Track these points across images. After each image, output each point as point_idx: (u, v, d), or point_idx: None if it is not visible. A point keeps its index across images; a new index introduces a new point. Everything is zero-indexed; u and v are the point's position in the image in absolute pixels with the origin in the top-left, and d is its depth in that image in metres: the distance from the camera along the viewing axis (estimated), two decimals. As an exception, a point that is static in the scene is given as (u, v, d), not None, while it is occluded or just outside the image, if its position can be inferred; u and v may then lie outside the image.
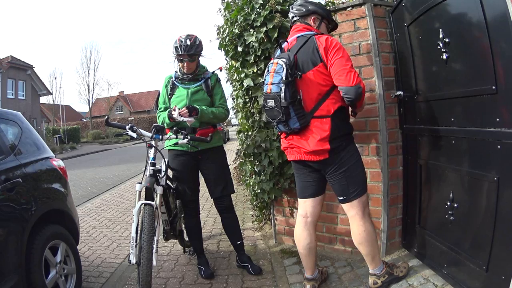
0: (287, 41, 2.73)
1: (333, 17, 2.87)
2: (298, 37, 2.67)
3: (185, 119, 3.21)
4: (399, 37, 3.28)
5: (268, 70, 2.63)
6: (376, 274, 2.80)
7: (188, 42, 3.27)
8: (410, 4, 3.07)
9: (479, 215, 2.43)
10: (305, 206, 2.90)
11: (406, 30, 3.13)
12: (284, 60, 2.50)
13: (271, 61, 2.63)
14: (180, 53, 3.26)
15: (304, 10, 2.76)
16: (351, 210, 2.70)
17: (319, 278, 3.02)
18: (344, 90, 2.48)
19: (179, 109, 3.23)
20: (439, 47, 2.65)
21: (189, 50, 3.26)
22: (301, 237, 2.89)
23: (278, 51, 2.73)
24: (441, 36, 2.61)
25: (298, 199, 2.97)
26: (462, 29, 2.48)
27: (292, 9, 2.83)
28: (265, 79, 2.66)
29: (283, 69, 2.48)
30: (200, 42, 3.36)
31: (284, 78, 2.47)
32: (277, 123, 2.65)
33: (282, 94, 2.48)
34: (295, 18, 2.81)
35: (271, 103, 2.55)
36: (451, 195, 2.69)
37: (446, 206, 2.74)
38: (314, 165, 2.70)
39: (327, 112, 2.55)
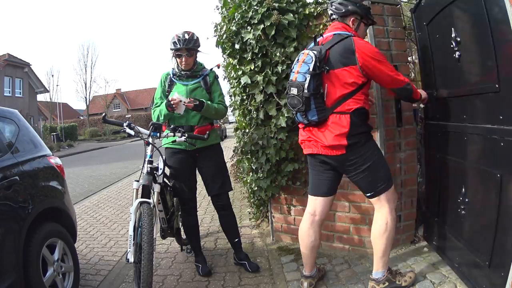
0: (322, 36, 2.72)
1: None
2: (335, 34, 2.65)
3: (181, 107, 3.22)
4: (420, 36, 3.31)
5: (297, 59, 2.63)
6: (375, 279, 2.76)
7: (187, 36, 3.28)
8: (427, 3, 3.10)
9: (484, 211, 2.46)
10: (315, 204, 2.89)
11: (426, 29, 3.16)
12: (315, 52, 2.52)
13: (302, 51, 2.65)
14: (179, 46, 3.27)
15: (343, 10, 2.70)
16: (378, 203, 2.70)
17: (316, 276, 3.02)
18: (397, 92, 2.68)
19: (180, 100, 3.22)
20: (452, 45, 2.67)
21: (187, 44, 3.27)
22: (306, 235, 2.88)
23: (312, 44, 2.73)
24: (453, 35, 2.64)
25: (309, 195, 2.95)
26: (469, 29, 2.53)
27: (331, 6, 2.77)
28: (293, 67, 2.66)
29: (312, 60, 2.49)
30: (197, 38, 3.37)
31: (311, 69, 2.49)
32: (296, 112, 2.66)
33: (306, 85, 2.49)
34: (333, 16, 2.77)
35: (293, 91, 2.56)
36: (463, 190, 2.72)
37: (459, 200, 2.77)
38: (330, 161, 2.68)
39: (347, 109, 2.55)
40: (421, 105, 3.17)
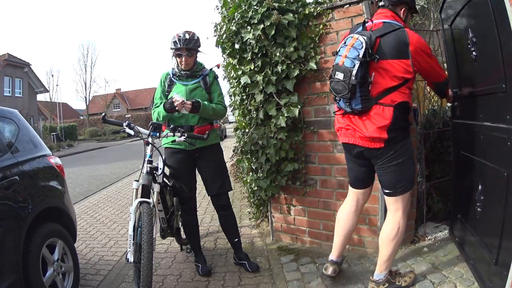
0: (372, 21, 2.61)
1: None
2: (384, 22, 2.57)
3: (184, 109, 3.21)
4: (445, 36, 3.32)
5: (345, 43, 2.53)
6: (375, 281, 2.76)
7: (187, 36, 3.28)
8: (449, 4, 3.13)
9: (494, 209, 2.47)
10: (354, 194, 2.93)
11: (449, 29, 3.17)
12: (365, 38, 2.41)
13: (350, 35, 2.53)
14: (179, 46, 3.27)
15: None
16: (394, 205, 2.66)
17: (342, 262, 3.04)
18: (436, 86, 2.77)
19: (183, 100, 3.22)
20: (469, 46, 2.69)
21: (188, 44, 3.27)
22: (346, 218, 2.91)
23: (360, 28, 2.58)
24: (470, 35, 2.66)
25: (349, 186, 2.99)
26: (482, 29, 2.55)
27: None
28: (339, 51, 2.56)
29: (362, 46, 2.39)
30: (198, 38, 3.37)
31: (361, 55, 2.38)
32: (339, 99, 2.58)
33: (354, 71, 2.39)
34: (382, 3, 2.68)
35: (339, 76, 2.46)
36: (479, 187, 2.72)
37: (476, 198, 2.78)
38: (365, 152, 2.63)
39: (391, 102, 2.48)
40: (448, 104, 3.19)
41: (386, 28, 2.51)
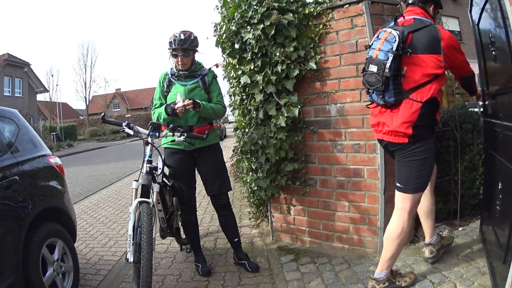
0: (404, 17, 2.67)
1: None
2: (415, 18, 2.64)
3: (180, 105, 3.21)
4: (475, 35, 3.34)
5: (378, 37, 2.59)
6: (376, 279, 2.76)
7: (182, 37, 3.27)
8: (476, 3, 3.14)
9: (508, 208, 2.49)
10: None
11: (476, 28, 3.19)
12: (398, 32, 2.47)
13: (383, 29, 2.59)
14: (174, 47, 3.27)
15: None
16: (402, 202, 2.67)
17: (438, 243, 3.04)
18: (464, 81, 2.84)
19: (183, 100, 3.22)
20: (490, 45, 2.71)
21: (183, 44, 3.26)
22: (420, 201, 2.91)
23: (392, 23, 2.64)
24: (490, 35, 2.68)
25: None
26: (497, 28, 2.56)
27: None
28: (372, 44, 2.62)
29: (396, 40, 2.45)
30: (195, 37, 3.35)
31: (394, 48, 2.44)
32: (372, 91, 2.61)
33: (388, 64, 2.45)
34: (412, 0, 2.77)
35: (373, 68, 2.51)
36: (500, 186, 2.74)
37: (497, 196, 2.81)
38: (389, 145, 2.69)
39: (421, 97, 2.51)
40: (480, 103, 3.23)
41: (418, 24, 2.58)
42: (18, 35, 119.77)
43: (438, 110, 2.64)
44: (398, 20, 2.62)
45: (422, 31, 2.55)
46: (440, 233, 3.17)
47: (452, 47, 2.56)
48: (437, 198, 3.87)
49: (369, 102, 2.78)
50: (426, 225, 3.03)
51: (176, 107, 3.21)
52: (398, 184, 2.69)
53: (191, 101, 3.21)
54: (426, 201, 2.95)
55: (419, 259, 3.21)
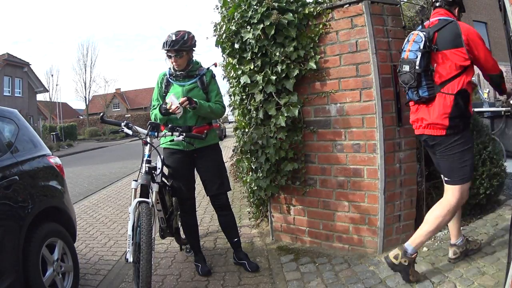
0: (429, 20, 2.95)
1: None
2: (439, 19, 2.86)
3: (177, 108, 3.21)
4: (506, 34, 3.37)
5: (407, 40, 2.86)
6: (406, 250, 2.84)
7: (174, 38, 3.25)
8: (502, 3, 3.17)
9: None
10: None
11: (505, 27, 3.22)
12: (424, 33, 2.74)
13: (412, 32, 2.88)
14: (166, 48, 3.26)
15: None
16: (450, 191, 2.82)
17: (463, 245, 3.09)
18: (492, 78, 2.86)
19: (178, 100, 3.22)
20: (509, 44, 2.80)
21: (174, 45, 3.24)
22: None
23: (420, 26, 2.95)
24: (511, 34, 2.73)
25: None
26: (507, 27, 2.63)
27: None
28: (403, 47, 2.88)
29: (422, 40, 2.71)
30: (189, 38, 3.31)
31: (421, 47, 2.70)
32: (408, 89, 2.84)
33: (417, 61, 2.70)
34: (439, 3, 2.96)
35: (406, 68, 2.77)
36: None
37: None
38: (429, 140, 2.85)
39: (452, 90, 2.70)
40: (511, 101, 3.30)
41: (441, 23, 2.82)
42: (17, 35, 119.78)
43: (469, 101, 2.81)
44: (425, 23, 2.93)
45: (445, 29, 2.77)
46: (468, 237, 3.21)
47: (471, 40, 2.71)
48: (437, 198, 3.87)
49: (408, 100, 2.98)
50: (452, 226, 3.09)
51: (172, 110, 3.21)
52: (445, 178, 2.87)
53: (185, 98, 3.20)
54: None
55: (419, 258, 3.21)
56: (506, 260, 2.93)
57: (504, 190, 4.17)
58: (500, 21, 3.39)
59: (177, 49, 3.26)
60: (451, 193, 2.80)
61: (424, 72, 2.72)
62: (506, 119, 6.51)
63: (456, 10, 2.97)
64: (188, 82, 3.42)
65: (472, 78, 2.84)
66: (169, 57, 3.33)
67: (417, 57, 2.71)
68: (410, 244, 2.84)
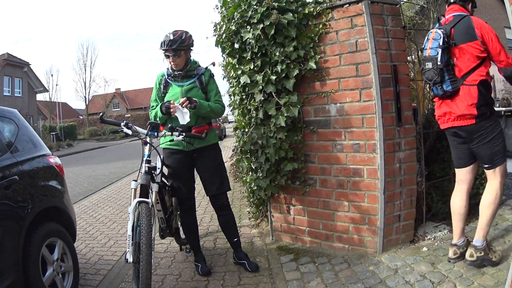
0: (444, 17, 3.07)
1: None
2: (454, 15, 2.99)
3: (184, 110, 3.21)
4: None
5: (427, 38, 3.01)
6: (475, 246, 2.94)
7: (172, 37, 3.24)
8: None
9: None
10: (460, 175, 3.17)
11: None
12: (442, 30, 2.90)
13: (430, 30, 3.04)
14: (164, 48, 3.26)
15: None
16: (492, 175, 2.94)
17: (463, 246, 3.12)
18: (506, 73, 2.91)
19: (178, 103, 3.22)
20: None
21: (172, 45, 3.24)
22: (453, 202, 3.18)
23: (437, 24, 3.09)
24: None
25: (455, 168, 3.23)
26: None
27: None
28: (424, 46, 3.04)
29: (440, 36, 2.87)
30: (187, 37, 3.31)
31: (441, 43, 2.86)
32: (433, 85, 2.99)
33: (439, 57, 2.86)
34: (452, 0, 3.06)
35: (428, 65, 2.93)
36: None
37: None
38: (461, 132, 2.97)
39: (473, 81, 2.84)
40: None
41: (456, 19, 2.95)
42: (17, 35, 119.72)
43: (491, 90, 2.97)
44: (441, 21, 3.07)
45: (459, 24, 2.91)
46: (469, 238, 3.20)
47: (485, 33, 2.81)
48: (437, 198, 3.89)
49: (433, 97, 3.14)
50: (457, 225, 3.14)
51: (171, 106, 3.21)
52: (484, 166, 2.99)
53: (184, 98, 3.20)
54: (462, 201, 3.12)
55: (419, 258, 3.22)
56: (506, 260, 2.96)
57: (504, 190, 4.16)
58: (500, 21, 3.40)
59: (175, 48, 3.26)
60: (494, 176, 2.93)
61: (445, 67, 2.87)
62: (506, 119, 6.52)
63: (470, 5, 3.08)
64: (186, 82, 3.41)
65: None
66: (167, 56, 3.33)
67: (438, 53, 2.86)
68: (477, 239, 2.94)
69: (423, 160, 3.69)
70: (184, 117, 3.25)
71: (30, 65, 32.66)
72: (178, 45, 3.26)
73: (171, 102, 3.24)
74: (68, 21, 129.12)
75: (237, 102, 4.04)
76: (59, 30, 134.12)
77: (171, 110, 3.21)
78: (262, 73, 3.57)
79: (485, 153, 2.92)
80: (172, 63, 3.34)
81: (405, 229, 3.56)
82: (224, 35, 3.78)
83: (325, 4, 3.52)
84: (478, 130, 2.88)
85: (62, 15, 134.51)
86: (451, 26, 2.93)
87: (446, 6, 3.14)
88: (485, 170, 3.00)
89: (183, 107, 3.19)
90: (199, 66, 3.52)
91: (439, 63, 2.86)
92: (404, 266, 3.14)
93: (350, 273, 3.20)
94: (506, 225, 3.51)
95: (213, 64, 3.59)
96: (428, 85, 3.17)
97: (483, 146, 2.90)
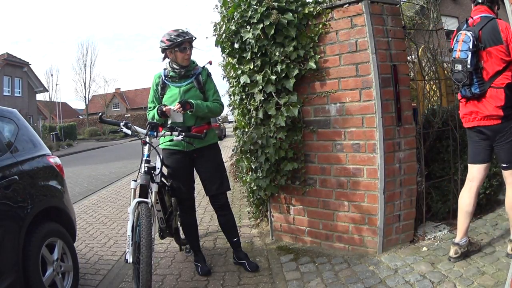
0: (472, 18, 3.06)
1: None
2: (481, 16, 3.00)
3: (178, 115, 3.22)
4: None
5: (456, 40, 3.02)
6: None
7: (185, 29, 3.28)
8: None
9: None
10: (473, 172, 3.17)
11: None
12: (471, 32, 2.91)
13: (459, 32, 3.03)
14: (184, 39, 3.23)
15: None
16: (510, 178, 2.98)
17: (465, 246, 3.13)
18: None
19: (173, 109, 3.22)
20: None
21: (187, 37, 3.25)
22: (462, 199, 3.19)
23: (465, 25, 3.07)
24: None
25: (468, 164, 3.23)
26: None
27: None
28: (453, 47, 3.05)
29: (470, 39, 2.88)
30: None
31: (471, 46, 2.88)
32: (461, 86, 3.02)
33: (469, 60, 2.89)
34: (479, 0, 3.08)
35: (458, 67, 2.96)
36: None
37: None
38: (486, 130, 3.00)
39: (501, 84, 2.88)
40: None
41: (483, 21, 2.97)
42: (17, 35, 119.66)
43: None
44: (469, 22, 3.05)
45: (487, 26, 2.92)
46: (471, 238, 3.24)
47: (510, 36, 2.82)
48: (437, 198, 3.89)
49: (460, 98, 3.16)
50: (462, 224, 3.15)
51: (165, 109, 3.24)
52: (503, 165, 3.02)
53: (178, 105, 3.19)
54: (471, 198, 3.13)
55: (419, 258, 3.22)
56: (505, 260, 2.96)
57: (503, 190, 4.17)
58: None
59: (191, 39, 3.28)
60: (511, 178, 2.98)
61: (474, 70, 2.90)
62: None
63: (496, 7, 3.10)
64: (184, 83, 3.40)
65: None
66: (183, 49, 3.28)
67: (467, 56, 2.88)
68: None
69: (423, 160, 3.70)
70: (180, 118, 3.28)
71: (30, 65, 32.66)
72: (191, 37, 3.28)
73: (166, 106, 3.26)
74: (68, 21, 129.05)
75: (237, 102, 4.04)
76: (59, 30, 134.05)
77: (167, 113, 3.23)
78: (262, 73, 3.57)
79: (506, 152, 2.96)
80: (187, 56, 3.32)
81: (405, 229, 3.56)
82: (224, 35, 3.78)
83: (325, 4, 3.52)
84: (502, 130, 2.92)
85: (62, 15, 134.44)
86: (479, 29, 2.94)
87: (472, 5, 3.15)
88: (503, 172, 3.03)
89: (176, 111, 3.20)
90: (197, 65, 3.51)
91: (468, 66, 2.89)
92: (404, 266, 3.14)
93: (350, 273, 3.20)
94: (506, 225, 3.51)
95: (210, 63, 3.57)
96: (454, 86, 3.20)
97: (506, 145, 2.94)
